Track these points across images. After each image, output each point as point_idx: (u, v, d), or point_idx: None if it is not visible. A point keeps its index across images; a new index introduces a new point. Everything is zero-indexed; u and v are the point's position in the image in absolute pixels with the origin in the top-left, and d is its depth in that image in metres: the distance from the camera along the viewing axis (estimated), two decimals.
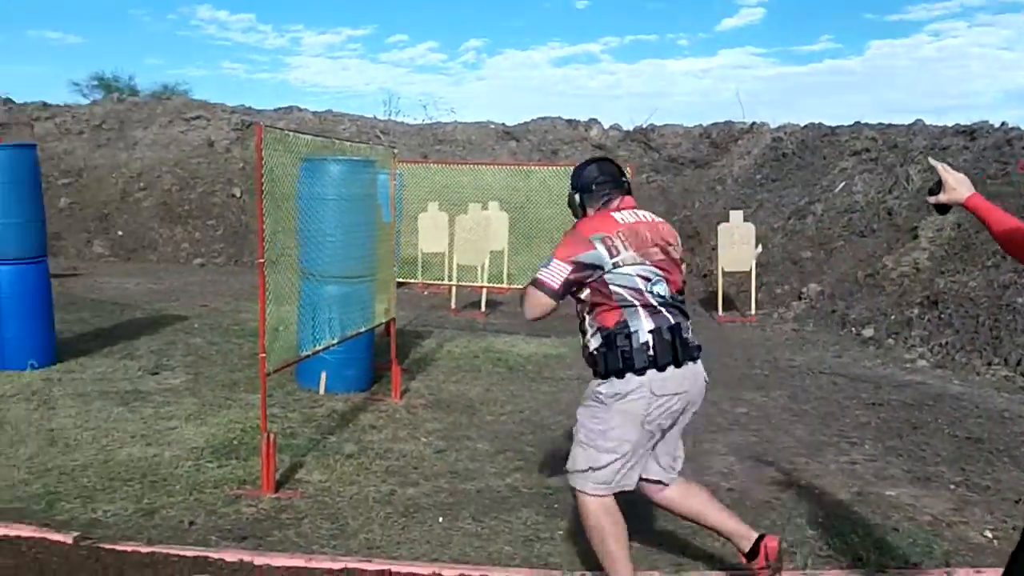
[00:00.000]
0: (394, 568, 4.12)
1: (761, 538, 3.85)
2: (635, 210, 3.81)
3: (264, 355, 5.15)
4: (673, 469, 3.87)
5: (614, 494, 3.68)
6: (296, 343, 6.42)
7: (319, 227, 6.78)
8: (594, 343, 3.67)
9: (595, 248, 3.58)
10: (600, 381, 3.68)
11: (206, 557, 4.15)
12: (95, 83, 32.25)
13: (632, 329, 3.58)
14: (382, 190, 7.51)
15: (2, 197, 7.65)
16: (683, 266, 3.87)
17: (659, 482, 3.86)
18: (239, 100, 23.11)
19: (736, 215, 13.20)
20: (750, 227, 13.03)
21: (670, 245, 3.76)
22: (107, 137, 20.46)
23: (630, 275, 3.60)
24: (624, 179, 3.94)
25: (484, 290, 13.08)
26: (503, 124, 21.59)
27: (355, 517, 4.80)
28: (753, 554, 3.84)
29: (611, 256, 3.57)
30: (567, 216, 4.03)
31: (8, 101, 21.79)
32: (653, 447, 3.76)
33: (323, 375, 7.40)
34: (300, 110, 21.78)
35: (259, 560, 4.15)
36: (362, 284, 7.31)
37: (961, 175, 2.92)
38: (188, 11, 61.26)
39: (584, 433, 3.69)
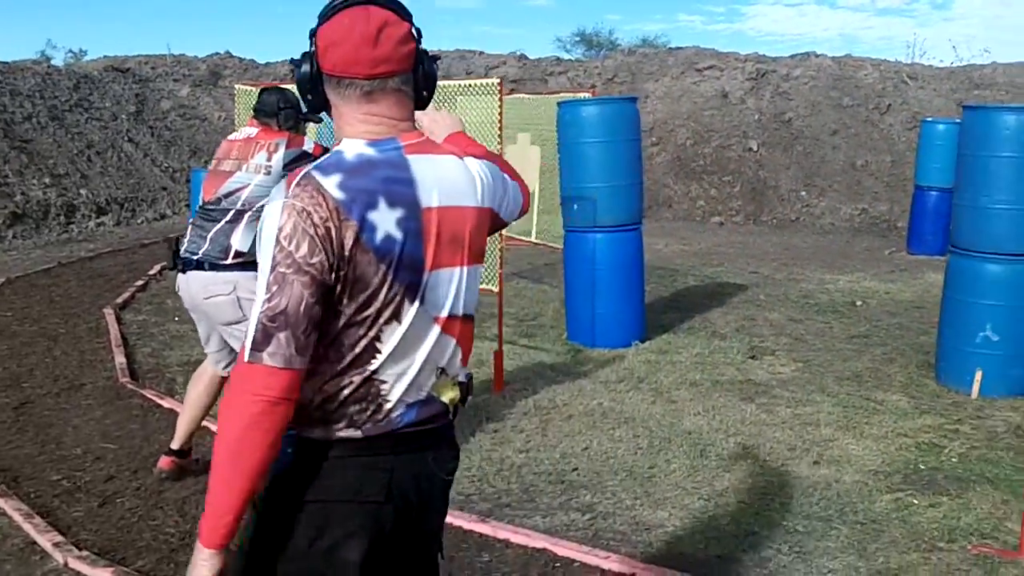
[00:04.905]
0: None
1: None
2: (250, 128, 4.18)
3: None
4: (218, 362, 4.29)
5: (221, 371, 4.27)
6: None
7: None
8: None
9: None
10: None
11: None
12: (577, 39, 32.38)
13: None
14: None
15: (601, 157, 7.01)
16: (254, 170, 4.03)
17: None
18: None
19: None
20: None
21: (238, 159, 4.05)
22: (619, 91, 20.17)
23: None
24: (260, 106, 4.17)
25: None
26: None
27: None
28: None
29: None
30: None
31: (523, 56, 22.33)
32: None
33: (978, 373, 5.96)
34: (817, 56, 20.00)
35: None
36: None
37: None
38: None
39: None
